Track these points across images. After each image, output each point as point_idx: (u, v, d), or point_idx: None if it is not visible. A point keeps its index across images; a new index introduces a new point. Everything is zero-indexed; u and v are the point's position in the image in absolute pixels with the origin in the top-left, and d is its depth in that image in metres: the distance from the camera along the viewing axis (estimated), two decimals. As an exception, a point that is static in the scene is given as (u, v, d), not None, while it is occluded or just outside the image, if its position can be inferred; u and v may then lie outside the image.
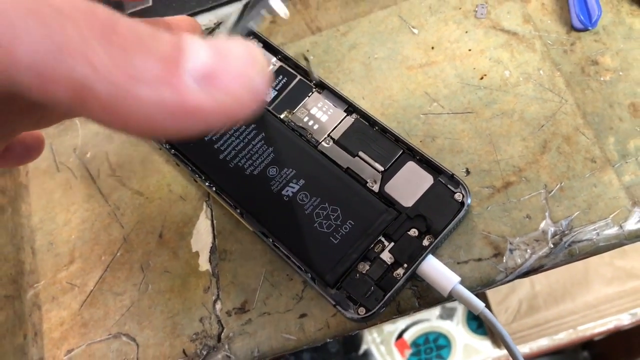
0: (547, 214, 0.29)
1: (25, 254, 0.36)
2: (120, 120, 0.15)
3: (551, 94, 0.32)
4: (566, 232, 0.29)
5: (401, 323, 0.81)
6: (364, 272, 0.28)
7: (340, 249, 0.29)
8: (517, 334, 0.72)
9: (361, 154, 0.31)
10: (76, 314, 0.33)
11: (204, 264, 0.32)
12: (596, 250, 0.29)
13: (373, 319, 0.28)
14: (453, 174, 0.29)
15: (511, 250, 0.29)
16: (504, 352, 0.75)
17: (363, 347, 0.81)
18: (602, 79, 0.32)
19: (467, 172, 0.31)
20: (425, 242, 0.28)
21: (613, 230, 0.29)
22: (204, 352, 0.30)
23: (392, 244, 0.29)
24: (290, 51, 0.35)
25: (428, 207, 0.29)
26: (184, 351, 0.31)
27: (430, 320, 0.80)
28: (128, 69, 0.14)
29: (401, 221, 0.29)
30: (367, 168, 0.31)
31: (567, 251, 0.29)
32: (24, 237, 0.36)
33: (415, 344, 0.80)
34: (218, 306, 0.31)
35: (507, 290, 0.73)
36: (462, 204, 0.29)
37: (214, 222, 0.33)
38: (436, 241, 0.28)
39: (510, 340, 0.28)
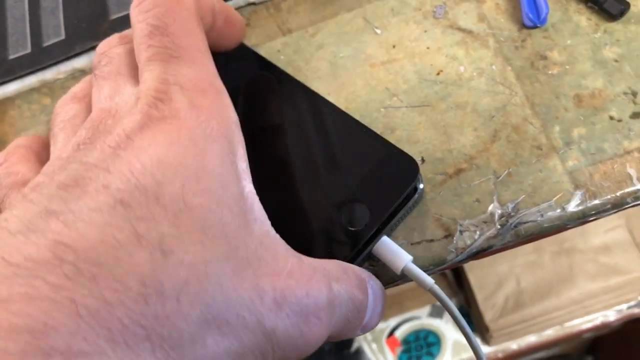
0: (495, 197, 0.31)
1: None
2: None
3: (502, 87, 0.34)
4: (512, 214, 0.31)
5: (392, 321, 0.82)
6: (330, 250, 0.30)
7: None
8: (504, 329, 0.74)
9: None
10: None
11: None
12: (541, 231, 0.31)
13: None
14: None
15: (461, 232, 0.31)
16: (493, 348, 0.77)
17: (355, 345, 0.82)
18: (550, 72, 0.34)
19: (423, 160, 0.33)
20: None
21: (556, 213, 0.31)
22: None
23: None
24: (263, 53, 0.38)
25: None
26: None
27: (420, 318, 0.82)
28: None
29: None
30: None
31: (513, 232, 0.31)
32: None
33: (406, 341, 0.81)
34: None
35: (493, 287, 0.75)
36: (415, 188, 0.31)
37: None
38: (390, 224, 0.30)
39: (460, 317, 0.30)
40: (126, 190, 0.18)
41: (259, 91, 0.34)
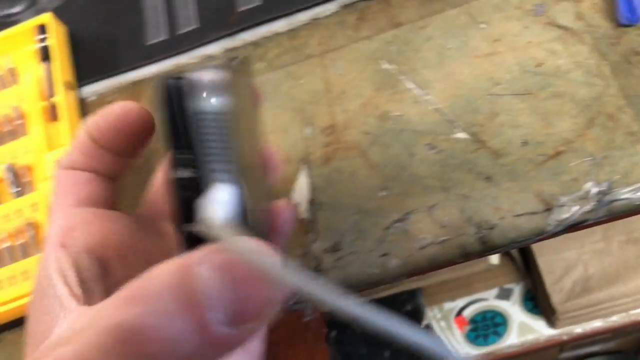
0: (591, 177, 0.35)
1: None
2: None
3: (598, 79, 0.38)
4: (607, 192, 0.35)
5: (460, 301, 0.87)
6: None
7: None
8: (570, 312, 0.77)
9: None
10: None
11: (304, 213, 0.39)
12: (633, 209, 0.35)
13: None
14: None
15: (560, 206, 0.35)
16: (558, 332, 0.80)
17: (424, 322, 0.87)
18: (643, 66, 0.37)
19: (524, 143, 0.37)
20: None
21: (647, 192, 0.35)
22: (304, 282, 0.37)
23: None
24: (375, 44, 0.42)
25: None
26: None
27: (488, 299, 0.86)
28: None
29: None
30: None
31: (607, 208, 0.35)
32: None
33: (473, 320, 0.85)
34: (315, 245, 0.38)
35: (561, 272, 0.78)
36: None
37: (312, 180, 0.40)
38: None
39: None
40: None
41: None
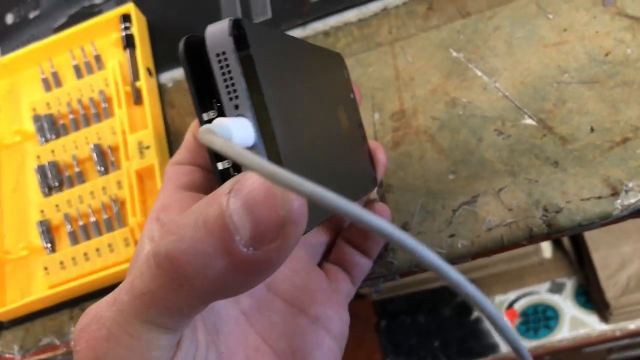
0: (659, 163, 0.36)
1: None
2: None
3: (667, 68, 0.38)
4: (675, 178, 0.36)
5: (512, 294, 0.87)
6: None
7: None
8: (625, 308, 0.77)
9: None
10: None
11: (373, 195, 0.41)
12: (700, 194, 0.35)
13: None
14: None
15: (626, 191, 0.36)
16: (611, 327, 0.80)
17: (475, 314, 0.87)
18: None
19: (592, 129, 0.38)
20: None
21: None
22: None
23: None
24: (444, 33, 0.44)
25: None
26: (358, 257, 0.40)
27: (539, 293, 0.86)
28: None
29: None
30: None
31: (675, 194, 0.36)
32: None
33: (524, 313, 0.86)
34: (385, 225, 0.40)
35: (616, 267, 0.78)
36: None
37: (381, 163, 0.42)
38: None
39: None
40: None
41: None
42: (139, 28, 0.48)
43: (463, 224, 0.38)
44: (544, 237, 0.37)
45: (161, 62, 0.50)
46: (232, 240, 0.19)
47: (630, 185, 0.36)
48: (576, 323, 0.83)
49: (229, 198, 0.20)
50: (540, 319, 0.85)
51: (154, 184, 0.44)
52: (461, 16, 0.44)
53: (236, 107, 0.23)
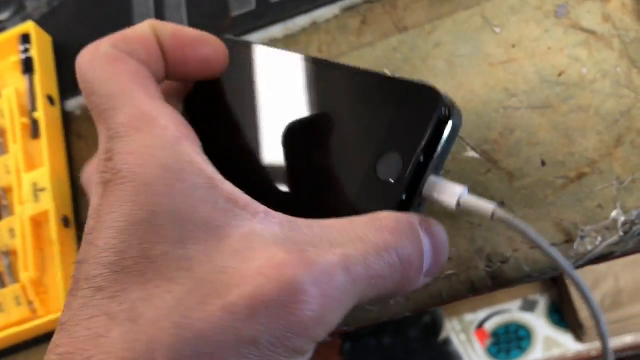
0: (618, 204, 0.31)
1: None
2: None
3: (627, 90, 0.33)
4: (636, 221, 0.31)
5: (481, 313, 0.82)
6: None
7: None
8: (599, 328, 0.73)
9: None
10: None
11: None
12: (666, 239, 0.31)
13: None
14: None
15: (582, 237, 0.31)
16: (585, 346, 0.76)
17: (443, 335, 0.83)
18: (679, 76, 0.33)
19: (543, 163, 0.33)
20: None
21: (684, 221, 0.30)
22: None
23: None
24: (379, 50, 0.38)
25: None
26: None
27: (510, 311, 0.81)
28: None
29: None
30: None
31: (637, 239, 0.31)
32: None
33: (495, 334, 0.81)
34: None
35: (590, 284, 0.73)
36: (446, 117, 0.27)
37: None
38: (432, 161, 0.27)
39: (542, 240, 0.25)
40: (97, 274, 0.20)
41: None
42: (39, 49, 0.42)
43: (397, 276, 0.33)
44: (488, 290, 0.32)
45: (68, 87, 0.44)
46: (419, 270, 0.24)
47: (587, 229, 0.31)
48: (550, 343, 0.78)
49: (420, 232, 0.25)
50: (512, 339, 0.80)
51: (49, 233, 0.38)
52: (398, 31, 0.39)
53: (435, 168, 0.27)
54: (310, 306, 0.20)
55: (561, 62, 0.35)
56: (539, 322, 0.79)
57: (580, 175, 0.32)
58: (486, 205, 0.26)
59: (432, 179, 0.27)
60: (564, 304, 0.77)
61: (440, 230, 0.26)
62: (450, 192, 0.26)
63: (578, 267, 0.31)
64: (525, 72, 0.35)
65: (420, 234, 0.24)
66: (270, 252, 0.20)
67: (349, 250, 0.21)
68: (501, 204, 0.33)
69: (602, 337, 0.28)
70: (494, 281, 0.32)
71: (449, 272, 0.32)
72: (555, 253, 0.25)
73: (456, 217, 0.33)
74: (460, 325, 0.82)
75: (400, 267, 0.23)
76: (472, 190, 0.33)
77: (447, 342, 0.82)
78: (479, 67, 0.36)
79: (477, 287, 0.32)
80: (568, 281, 0.73)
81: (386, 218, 0.24)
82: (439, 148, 0.26)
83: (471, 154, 0.34)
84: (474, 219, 0.33)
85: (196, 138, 0.24)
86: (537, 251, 0.31)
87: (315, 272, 0.20)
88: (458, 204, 0.26)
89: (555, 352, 0.77)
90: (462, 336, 0.82)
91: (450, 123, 0.26)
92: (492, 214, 0.25)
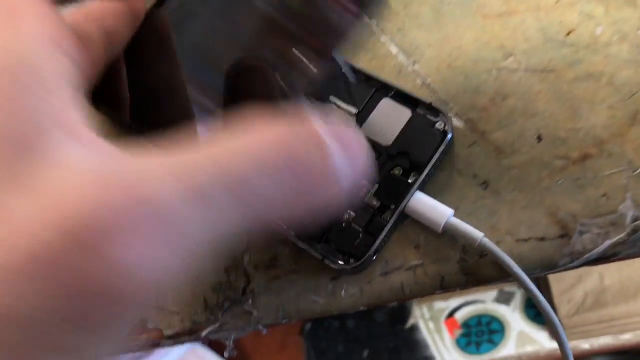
0: (628, 194, 0.25)
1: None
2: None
3: (650, 57, 0.27)
4: (649, 217, 0.25)
5: (453, 301, 0.77)
6: (349, 220, 0.27)
7: None
8: (577, 327, 0.68)
9: (332, 98, 0.29)
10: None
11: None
12: (683, 242, 0.25)
13: (365, 268, 0.27)
14: (431, 103, 0.28)
15: (581, 232, 0.25)
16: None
17: (410, 321, 0.78)
18: None
19: (539, 138, 0.27)
20: (411, 179, 0.27)
21: None
22: (226, 304, 0.28)
23: (376, 186, 0.27)
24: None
25: (409, 142, 0.27)
26: (204, 300, 0.28)
27: (485, 302, 0.76)
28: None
29: (382, 161, 0.27)
30: (340, 112, 0.29)
31: (647, 240, 0.25)
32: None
33: (466, 324, 0.76)
34: (246, 257, 0.29)
35: (572, 281, 0.68)
36: (445, 132, 0.27)
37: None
38: (422, 176, 0.26)
39: (530, 283, 0.25)
40: None
41: None
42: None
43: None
44: (460, 288, 0.27)
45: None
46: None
47: (588, 223, 0.25)
48: (524, 339, 0.73)
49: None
50: (484, 331, 0.75)
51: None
52: (379, -31, 0.32)
53: None
54: (126, 254, 0.14)
55: (571, 18, 0.29)
56: (514, 316, 0.74)
57: (585, 157, 0.26)
58: (474, 233, 0.25)
59: (419, 195, 0.26)
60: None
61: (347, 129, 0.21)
62: (438, 213, 0.26)
63: (573, 268, 0.26)
64: (527, 28, 0.29)
65: (314, 130, 0.19)
66: (77, 188, 0.14)
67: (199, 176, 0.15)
68: (484, 184, 0.27)
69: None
70: (468, 277, 0.26)
71: (415, 262, 0.26)
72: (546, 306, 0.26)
73: (428, 195, 0.27)
74: (429, 312, 0.77)
75: (291, 176, 0.18)
76: (453, 165, 0.28)
77: (414, 328, 0.77)
78: (472, 18, 0.30)
79: (447, 284, 0.26)
80: (549, 276, 0.68)
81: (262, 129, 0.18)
82: (432, 165, 0.26)
83: (454, 121, 0.28)
84: (450, 198, 0.27)
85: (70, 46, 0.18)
86: (524, 245, 0.26)
87: (139, 207, 0.14)
88: (444, 227, 0.26)
89: (529, 349, 0.72)
90: (431, 324, 0.77)
91: (445, 146, 0.27)
92: (480, 242, 0.25)
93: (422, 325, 0.77)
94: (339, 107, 0.29)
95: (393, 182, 0.27)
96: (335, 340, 0.78)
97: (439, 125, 0.27)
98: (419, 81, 0.29)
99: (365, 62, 0.31)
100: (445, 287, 0.26)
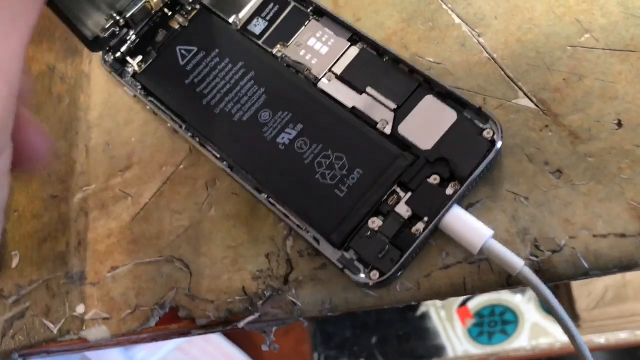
0: None
1: (78, 151, 0.32)
2: None
3: None
4: None
5: (467, 290, 0.75)
6: (376, 229, 0.24)
7: (346, 202, 0.25)
8: (595, 322, 0.66)
9: (369, 89, 0.27)
10: (126, 227, 0.29)
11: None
12: None
13: (389, 285, 0.24)
14: (480, 107, 0.24)
15: (666, 229, 0.23)
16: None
17: (421, 309, 0.76)
18: None
19: (619, 124, 0.24)
20: (449, 190, 0.24)
21: None
22: (267, 293, 0.26)
23: (409, 194, 0.24)
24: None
25: (451, 149, 0.24)
26: (243, 289, 0.26)
27: (499, 291, 0.74)
28: None
29: (419, 167, 0.25)
30: (377, 106, 0.26)
31: None
32: (79, 133, 0.32)
33: (479, 314, 0.74)
34: (289, 243, 0.26)
35: (592, 273, 0.66)
36: (492, 142, 0.24)
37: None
38: (462, 188, 0.24)
39: (559, 306, 0.23)
40: None
41: None
42: None
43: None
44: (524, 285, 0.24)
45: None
46: None
47: (672, 219, 0.23)
48: (537, 331, 0.71)
49: None
50: (497, 322, 0.73)
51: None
52: None
53: None
54: None
55: (657, -7, 0.26)
56: (528, 307, 0.72)
57: (670, 146, 0.24)
58: (514, 261, 0.23)
59: (457, 209, 0.24)
60: (559, 290, 0.70)
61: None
62: (476, 233, 0.23)
63: (653, 268, 0.23)
64: (605, 1, 0.26)
65: None
66: None
67: None
68: (557, 172, 0.24)
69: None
70: (539, 274, 0.23)
71: (479, 257, 0.24)
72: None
73: (495, 182, 0.25)
74: (441, 300, 0.75)
75: None
76: (522, 150, 0.25)
77: (425, 316, 0.75)
78: (544, -12, 0.27)
79: (514, 280, 0.24)
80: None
81: None
82: (475, 176, 0.24)
83: (524, 101, 0.26)
84: (519, 188, 0.24)
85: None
86: (601, 242, 0.23)
87: None
88: (481, 250, 0.23)
89: (543, 341, 0.71)
90: (443, 313, 0.75)
91: (492, 156, 0.24)
92: (519, 273, 0.23)
93: (433, 313, 0.75)
94: (375, 99, 0.26)
95: (429, 191, 0.24)
96: (343, 325, 0.76)
97: (487, 133, 0.24)
98: (484, 55, 0.27)
99: (422, 33, 0.28)
100: (512, 284, 0.24)
